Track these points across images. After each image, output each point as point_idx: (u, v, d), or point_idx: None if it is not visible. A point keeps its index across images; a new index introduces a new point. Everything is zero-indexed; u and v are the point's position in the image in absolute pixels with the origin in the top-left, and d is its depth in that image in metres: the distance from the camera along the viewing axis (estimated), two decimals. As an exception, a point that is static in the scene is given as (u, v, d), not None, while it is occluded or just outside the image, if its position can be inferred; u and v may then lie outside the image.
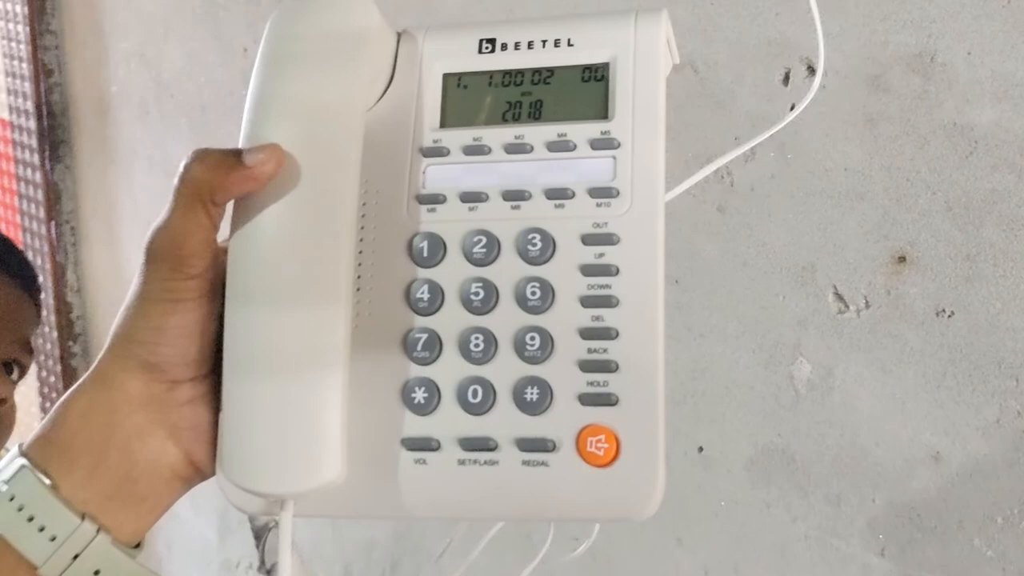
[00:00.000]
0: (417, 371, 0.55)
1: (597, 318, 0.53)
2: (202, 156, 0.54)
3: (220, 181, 0.53)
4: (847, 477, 1.16)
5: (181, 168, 0.53)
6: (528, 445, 0.52)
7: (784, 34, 1.12)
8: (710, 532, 1.30)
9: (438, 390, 0.54)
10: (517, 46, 0.60)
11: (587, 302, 0.53)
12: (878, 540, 1.14)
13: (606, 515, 0.52)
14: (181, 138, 1.81)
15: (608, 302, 0.53)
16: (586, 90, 0.58)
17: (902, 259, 1.07)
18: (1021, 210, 0.98)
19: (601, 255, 0.54)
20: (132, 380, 0.54)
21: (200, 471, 0.57)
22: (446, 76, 0.60)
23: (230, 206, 0.55)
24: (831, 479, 1.18)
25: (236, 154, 0.53)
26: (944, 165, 1.02)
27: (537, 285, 0.54)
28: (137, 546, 0.55)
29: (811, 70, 1.10)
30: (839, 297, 1.13)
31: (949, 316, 1.05)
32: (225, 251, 0.56)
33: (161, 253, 0.53)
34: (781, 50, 1.12)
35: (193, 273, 0.54)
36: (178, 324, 0.54)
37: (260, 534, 0.61)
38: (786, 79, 1.13)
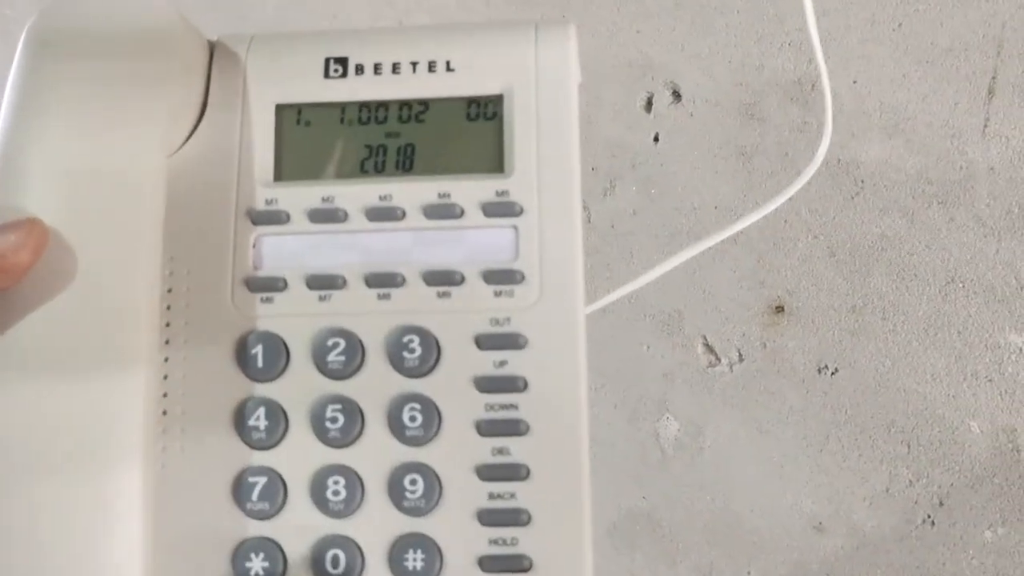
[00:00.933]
0: (254, 529, 0.41)
1: (500, 451, 0.40)
2: None
3: None
4: (720, 545, 1.06)
5: None
6: None
7: (646, 55, 0.99)
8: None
9: (284, 556, 0.41)
10: (378, 69, 0.44)
11: (486, 429, 0.41)
12: (754, 616, 1.04)
13: None
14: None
15: (515, 428, 0.40)
16: (473, 132, 0.44)
17: (780, 309, 0.96)
18: (913, 258, 0.88)
19: (503, 363, 0.41)
20: None
21: None
22: (280, 108, 0.45)
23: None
24: (702, 547, 1.07)
25: None
26: (827, 206, 0.91)
27: (417, 407, 0.41)
28: None
29: (676, 95, 0.97)
30: (709, 349, 1.01)
31: (832, 373, 0.94)
32: None
33: None
34: (643, 73, 0.99)
35: None
36: None
37: None
38: (648, 105, 1.00)
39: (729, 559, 1.05)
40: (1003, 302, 0.88)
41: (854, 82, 0.88)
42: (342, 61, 0.45)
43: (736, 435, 1.02)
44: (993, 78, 0.85)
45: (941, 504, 0.92)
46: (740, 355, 0.99)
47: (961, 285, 0.88)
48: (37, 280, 0.38)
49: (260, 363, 0.42)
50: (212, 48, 0.46)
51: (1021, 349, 0.88)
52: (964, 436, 0.90)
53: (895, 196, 0.87)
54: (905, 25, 0.84)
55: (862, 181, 0.89)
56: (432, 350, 0.41)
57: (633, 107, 1.01)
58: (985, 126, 0.86)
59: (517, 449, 0.40)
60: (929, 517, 0.93)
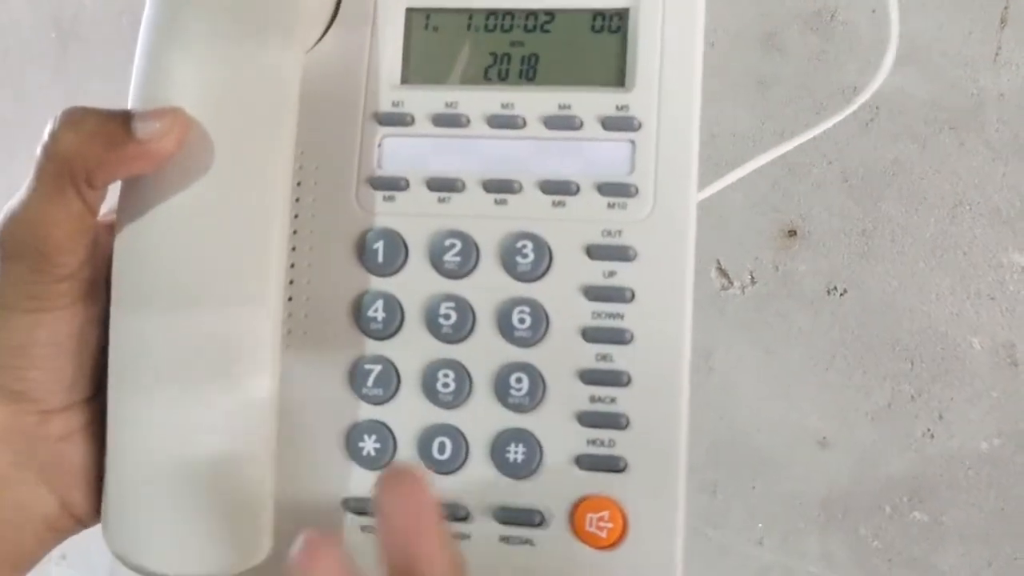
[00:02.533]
0: (367, 412, 0.43)
1: (604, 357, 0.42)
2: (75, 121, 0.39)
3: (99, 158, 0.38)
4: (725, 463, 1.10)
5: (46, 135, 0.39)
6: (509, 516, 0.42)
7: (670, -15, 1.02)
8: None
9: (394, 439, 0.43)
10: None
11: (591, 335, 0.42)
12: (757, 529, 1.08)
13: None
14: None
15: (619, 337, 0.41)
16: (598, 44, 0.45)
17: (792, 233, 1.00)
18: (923, 183, 0.93)
19: (612, 274, 0.42)
20: None
21: (79, 520, 0.44)
22: (411, 12, 0.46)
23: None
24: (707, 465, 1.11)
25: (123, 121, 0.39)
26: (841, 133, 0.96)
27: (527, 310, 0.42)
28: None
29: (698, 25, 1.01)
30: (722, 272, 1.05)
31: (841, 294, 0.99)
32: (107, 229, 0.42)
33: (19, 248, 0.40)
34: None
35: (63, 274, 0.40)
36: (48, 340, 0.41)
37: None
38: (671, 35, 1.04)
39: (734, 476, 1.10)
40: (1008, 223, 0.92)
41: (873, 11, 0.92)
42: None
43: (744, 356, 1.06)
44: (1006, 8, 0.90)
45: (941, 418, 0.97)
46: (752, 278, 1.04)
47: (968, 208, 0.93)
48: (178, 168, 0.39)
49: (380, 258, 0.43)
50: None
51: (1023, 268, 0.93)
52: (965, 352, 0.95)
53: (908, 122, 0.91)
54: (925, -42, 0.88)
55: (877, 108, 0.93)
56: (544, 256, 0.42)
57: (656, 37, 1.05)
58: (996, 55, 0.91)
59: (620, 356, 0.41)
60: (929, 430, 0.97)
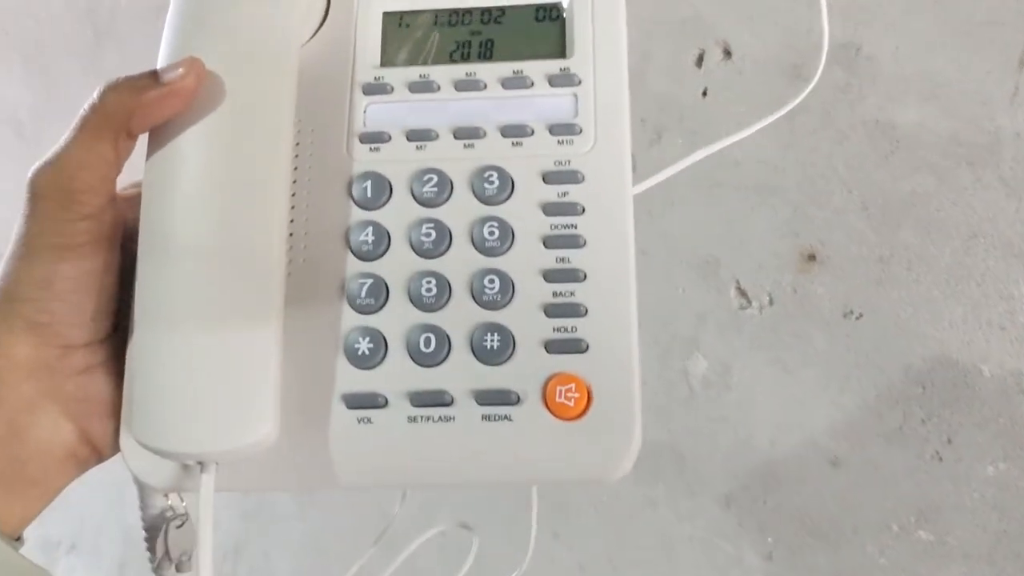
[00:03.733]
0: (360, 320, 0.49)
1: (562, 259, 0.49)
2: (115, 83, 0.46)
3: (136, 104, 0.46)
4: (739, 478, 1.13)
5: (94, 96, 0.46)
6: (488, 398, 0.47)
7: (700, 13, 1.06)
8: (589, 527, 1.25)
9: (384, 340, 0.49)
10: None
11: (551, 243, 0.49)
12: (767, 543, 1.12)
13: (576, 474, 0.47)
14: (13, 76, 1.62)
15: (574, 242, 0.49)
16: (541, 29, 0.54)
17: (811, 257, 1.03)
18: (940, 214, 0.96)
19: (565, 193, 0.50)
20: (17, 344, 0.46)
21: (98, 451, 0.49)
22: (386, 15, 0.55)
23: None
24: (722, 479, 1.14)
25: (151, 73, 0.47)
26: (863, 163, 0.99)
27: (495, 224, 0.49)
28: (18, 539, 0.47)
29: (727, 53, 1.04)
30: (742, 293, 1.08)
31: (857, 318, 1.02)
32: (126, 200, 0.49)
33: (47, 189, 0.46)
34: (696, 30, 1.06)
35: (86, 212, 0.46)
36: (70, 275, 0.46)
37: (154, 527, 0.52)
38: (699, 61, 1.07)
39: (747, 490, 1.13)
40: (1019, 257, 0.95)
41: (896, 49, 0.95)
42: None
43: (761, 374, 1.09)
44: (1025, 50, 0.93)
45: (949, 441, 1.00)
46: (771, 299, 1.07)
47: (982, 240, 0.96)
48: (198, 114, 0.47)
49: (368, 194, 0.51)
50: None
51: (1034, 300, 0.96)
52: (975, 379, 0.98)
53: (927, 156, 0.94)
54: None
55: (897, 141, 0.96)
56: (507, 183, 0.50)
57: (684, 63, 1.08)
58: (1014, 94, 0.94)
59: (576, 258, 0.48)
60: (937, 453, 1.00)
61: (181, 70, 0.46)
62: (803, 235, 1.03)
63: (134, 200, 0.48)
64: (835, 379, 1.04)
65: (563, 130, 0.50)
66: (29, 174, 0.46)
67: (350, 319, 0.49)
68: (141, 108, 0.46)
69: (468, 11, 0.54)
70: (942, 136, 0.93)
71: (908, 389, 1.00)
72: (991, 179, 0.95)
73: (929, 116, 0.93)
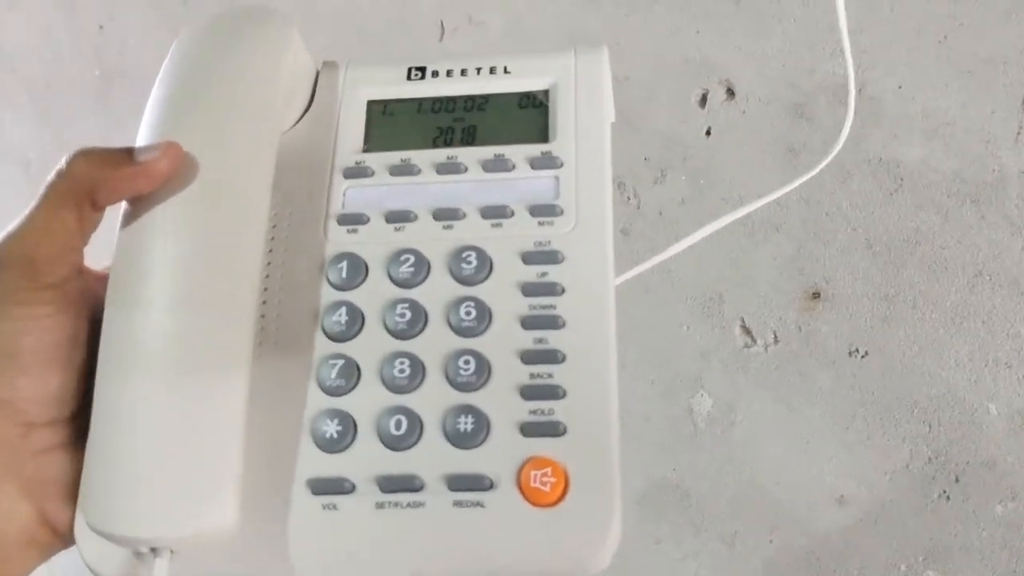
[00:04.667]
0: (329, 402, 0.48)
1: (540, 340, 0.47)
2: (87, 152, 0.46)
3: (105, 177, 0.45)
4: (744, 516, 1.12)
5: (61, 163, 0.46)
6: (460, 483, 0.45)
7: (704, 54, 1.06)
8: (593, 568, 1.24)
9: (354, 423, 0.47)
10: (449, 73, 0.55)
11: (528, 323, 0.48)
12: (773, 583, 1.11)
13: (551, 565, 0.44)
14: (21, 115, 1.63)
15: (552, 323, 0.47)
16: (524, 115, 0.54)
17: (816, 295, 1.03)
18: (945, 252, 0.96)
19: (544, 274, 0.49)
20: None
21: (61, 536, 0.47)
22: (371, 103, 0.55)
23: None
24: (727, 517, 1.14)
25: (127, 151, 0.46)
26: (867, 201, 0.99)
27: (472, 304, 0.48)
28: None
29: (731, 93, 1.05)
30: (746, 330, 1.08)
31: (863, 356, 1.01)
32: (100, 280, 0.47)
33: (9, 257, 0.45)
34: (700, 70, 1.07)
35: (49, 281, 0.45)
36: (34, 346, 0.45)
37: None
38: (703, 101, 1.07)
39: (752, 529, 1.12)
40: (1026, 295, 0.96)
41: (899, 87, 0.95)
42: (421, 69, 0.55)
43: (766, 412, 1.09)
44: (1029, 89, 0.93)
45: (957, 480, 0.99)
46: (776, 337, 1.07)
47: (988, 278, 0.96)
48: (173, 188, 0.46)
49: (343, 275, 0.49)
50: (319, 69, 0.57)
51: (1040, 338, 0.96)
52: (982, 418, 0.98)
53: (931, 194, 0.95)
54: (950, 37, 0.92)
55: (901, 179, 0.96)
56: (486, 263, 0.49)
57: (688, 103, 1.09)
58: (1019, 133, 0.94)
59: (554, 339, 0.47)
60: (945, 492, 1.00)
61: (157, 152, 0.46)
62: (808, 273, 1.03)
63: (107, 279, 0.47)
64: (841, 418, 1.04)
65: (544, 211, 0.50)
66: None
67: (319, 401, 0.48)
68: (109, 181, 0.45)
69: (452, 99, 0.54)
70: (946, 174, 0.93)
71: (915, 428, 1.00)
72: (996, 217, 0.95)
73: (933, 154, 0.93)
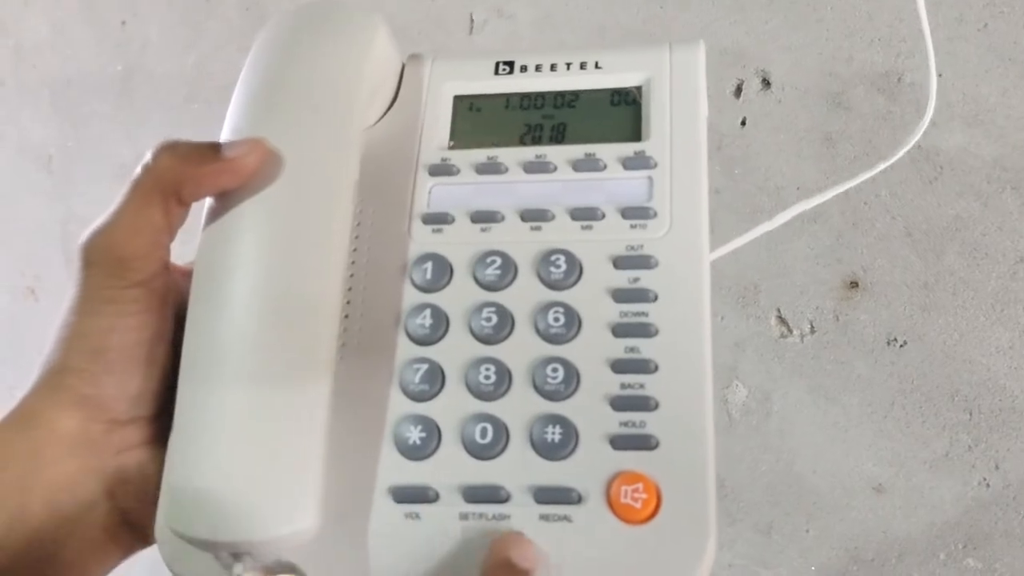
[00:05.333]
0: (413, 408, 0.46)
1: (632, 349, 0.45)
2: (172, 145, 0.45)
3: (191, 172, 0.45)
4: (780, 505, 1.12)
5: (147, 157, 0.45)
6: (547, 495, 0.43)
7: (739, 44, 1.06)
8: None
9: (438, 430, 0.45)
10: (539, 68, 0.53)
11: (620, 331, 0.46)
12: (810, 572, 1.11)
13: None
14: (41, 112, 1.63)
15: (645, 331, 0.45)
16: (616, 113, 0.52)
17: (854, 284, 1.03)
18: (986, 239, 0.96)
19: (636, 280, 0.46)
20: (63, 418, 0.44)
21: (142, 535, 0.46)
22: (457, 98, 0.54)
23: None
24: (763, 507, 1.14)
25: (213, 146, 0.46)
26: (906, 189, 0.99)
27: (560, 311, 0.46)
28: None
29: (766, 83, 1.05)
30: (782, 321, 1.08)
31: (901, 345, 1.02)
32: (183, 275, 0.47)
33: (97, 254, 0.45)
34: (735, 60, 1.07)
35: (137, 279, 0.45)
36: (120, 345, 0.45)
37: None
38: (738, 91, 1.07)
39: (788, 518, 1.12)
40: (1068, 281, 0.96)
41: (939, 75, 0.95)
42: (509, 63, 0.54)
43: (803, 402, 1.09)
44: (1071, 76, 0.94)
45: (997, 468, 0.99)
46: (812, 327, 1.07)
47: (1029, 265, 0.96)
48: (258, 186, 0.45)
49: (428, 276, 0.48)
50: (404, 62, 0.55)
51: (1083, 325, 0.96)
52: (1023, 404, 0.98)
53: (971, 181, 0.95)
54: (990, 25, 0.92)
55: (941, 167, 0.96)
56: (575, 267, 0.47)
57: (723, 92, 1.09)
58: (1060, 120, 0.95)
59: (646, 348, 0.44)
60: (985, 480, 1.00)
61: (243, 149, 0.45)
62: (846, 262, 1.03)
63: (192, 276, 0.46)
64: (879, 406, 1.04)
65: (636, 213, 0.48)
66: (81, 239, 0.45)
67: (402, 406, 0.46)
68: (194, 178, 0.45)
69: (541, 95, 0.53)
70: (986, 161, 0.93)
71: (955, 415, 1.00)
72: (1037, 204, 0.95)
73: (973, 141, 0.93)
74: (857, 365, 1.05)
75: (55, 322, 0.45)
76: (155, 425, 0.46)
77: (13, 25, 1.71)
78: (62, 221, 1.59)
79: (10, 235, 1.63)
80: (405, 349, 0.47)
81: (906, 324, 1.01)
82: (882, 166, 0.61)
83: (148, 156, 0.45)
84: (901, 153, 0.62)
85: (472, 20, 1.22)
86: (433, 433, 0.45)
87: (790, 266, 1.07)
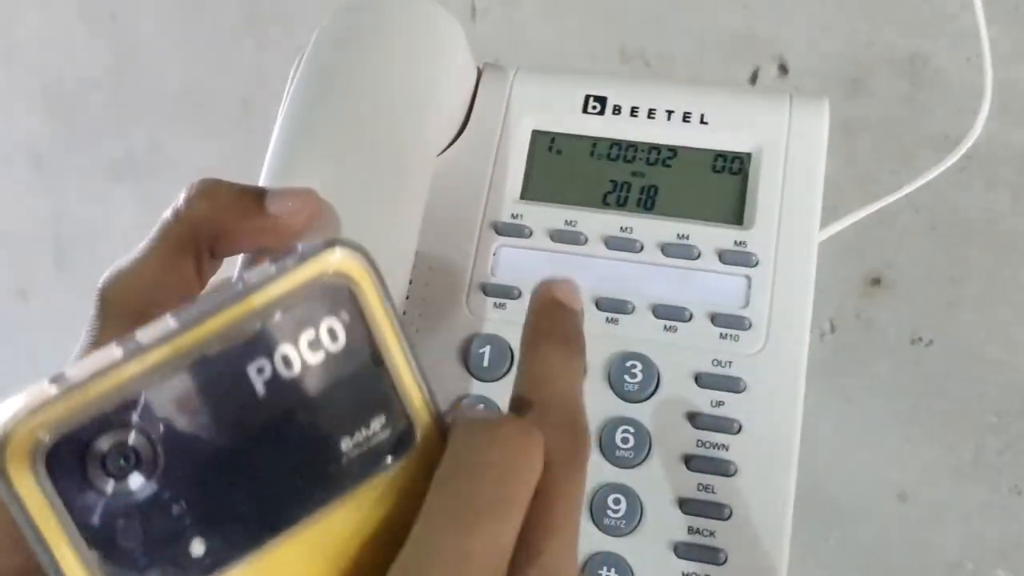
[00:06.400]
0: None
1: (705, 487, 0.41)
2: (211, 191, 0.39)
3: (229, 226, 0.39)
4: (800, 513, 1.07)
5: (180, 200, 0.39)
6: None
7: (754, 28, 1.01)
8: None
9: None
10: (634, 112, 0.47)
11: (695, 464, 0.41)
12: (829, 583, 1.06)
13: None
14: (32, 106, 1.58)
15: (723, 468, 0.41)
16: (718, 183, 0.45)
17: (876, 281, 0.98)
18: (1015, 234, 0.91)
19: (719, 404, 0.42)
20: None
21: None
22: (536, 134, 0.47)
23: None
24: (779, 515, 1.09)
25: (258, 196, 0.39)
26: (931, 181, 0.94)
27: (631, 430, 0.41)
28: None
29: (783, 69, 1.00)
30: (800, 319, 1.03)
31: (926, 344, 0.97)
32: None
33: (118, 305, 0.39)
34: (749, 46, 1.02)
35: None
36: None
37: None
38: (754, 78, 1.02)
39: (807, 526, 1.07)
40: (1103, 277, 0.91)
41: (967, 60, 0.90)
42: (601, 100, 0.47)
43: (823, 404, 1.04)
44: (1108, 58, 0.88)
45: (1029, 474, 0.95)
46: (832, 326, 1.02)
47: (1062, 260, 0.91)
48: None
49: (485, 363, 0.43)
50: (481, 70, 0.49)
51: (1120, 322, 0.91)
52: (1056, 407, 0.93)
53: (1000, 172, 0.90)
54: (1022, 7, 0.87)
55: (969, 157, 0.91)
56: (653, 379, 0.42)
57: (738, 80, 1.04)
58: (1096, 106, 0.90)
59: (722, 488, 0.40)
60: (1016, 486, 0.95)
61: (291, 203, 0.39)
62: (867, 258, 0.98)
63: None
64: (902, 409, 0.99)
65: (729, 321, 0.42)
66: (100, 281, 0.39)
67: None
68: (233, 232, 0.39)
69: (633, 145, 0.46)
70: (1017, 151, 0.88)
71: (982, 419, 0.95)
72: (1071, 195, 0.90)
73: (1003, 130, 0.88)
74: (879, 366, 1.00)
75: (31, 373, 0.40)
76: None
77: (3, 20, 1.68)
78: (54, 221, 1.54)
79: (0, 235, 1.59)
80: None
81: (931, 322, 0.96)
82: (936, 171, 0.55)
83: (182, 199, 0.39)
84: (957, 156, 0.57)
85: (474, 8, 1.17)
86: None
87: (808, 262, 1.02)
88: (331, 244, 0.24)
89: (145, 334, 0.23)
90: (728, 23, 1.03)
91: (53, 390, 0.21)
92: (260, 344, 0.23)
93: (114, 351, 0.22)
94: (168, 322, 0.23)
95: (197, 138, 1.40)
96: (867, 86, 0.96)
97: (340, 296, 0.24)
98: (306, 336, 0.23)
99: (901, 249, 0.96)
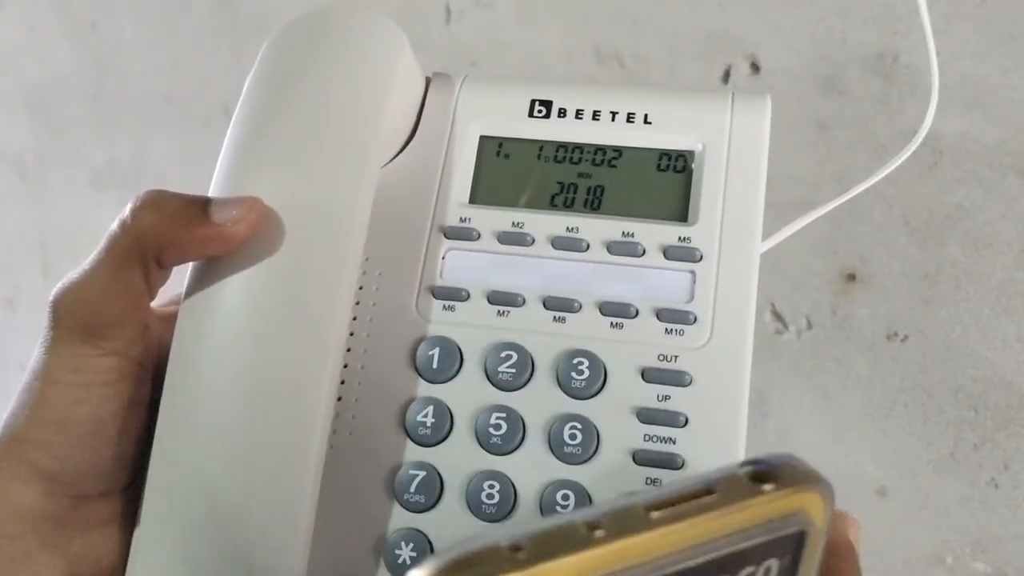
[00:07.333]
0: (406, 519, 0.42)
1: (653, 481, 0.41)
2: (156, 201, 0.40)
3: (174, 236, 0.40)
4: (780, 511, 1.08)
5: (126, 212, 0.40)
6: None
7: (727, 28, 1.02)
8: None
9: (431, 549, 0.42)
10: (579, 114, 0.48)
11: (642, 458, 0.42)
12: (812, 579, 1.06)
13: None
14: (15, 116, 1.58)
15: (670, 461, 0.42)
16: (662, 182, 0.47)
17: (851, 277, 0.99)
18: (988, 228, 0.91)
19: (666, 398, 0.43)
20: (24, 493, 0.40)
21: None
22: (484, 139, 0.49)
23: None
24: (760, 513, 1.09)
25: (202, 205, 0.41)
26: (904, 176, 0.94)
27: (578, 426, 0.42)
28: None
29: (755, 67, 1.00)
30: (777, 317, 1.04)
31: (902, 340, 0.97)
32: (161, 320, 0.43)
33: (70, 318, 0.40)
34: (722, 44, 1.02)
35: (112, 348, 0.40)
36: (89, 418, 0.40)
37: None
38: (726, 76, 1.03)
39: (788, 524, 1.08)
40: (1076, 270, 0.91)
41: (936, 56, 0.90)
42: (546, 104, 0.48)
43: (800, 402, 1.04)
44: (1076, 53, 0.89)
45: (1006, 467, 0.95)
46: (808, 323, 1.02)
47: (1035, 254, 0.92)
48: (248, 254, 0.40)
49: (435, 364, 0.43)
50: (429, 80, 0.50)
51: (1093, 315, 0.91)
52: (1032, 401, 0.93)
53: (972, 167, 0.90)
54: (989, 2, 0.87)
55: (940, 152, 0.92)
56: (599, 375, 0.43)
57: (711, 79, 1.04)
58: (1065, 99, 0.90)
59: (670, 480, 0.41)
60: (993, 480, 0.95)
61: (236, 211, 0.40)
62: (842, 253, 0.98)
63: (172, 321, 0.41)
64: (880, 405, 0.99)
65: (674, 316, 0.44)
66: (52, 294, 0.40)
67: (395, 517, 0.42)
68: (179, 242, 0.40)
69: (579, 147, 0.48)
70: (988, 146, 0.89)
71: (959, 413, 0.95)
72: (1042, 189, 0.91)
73: (974, 125, 0.89)
74: (856, 362, 1.00)
75: (19, 382, 0.40)
76: (125, 497, 0.42)
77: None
78: (39, 229, 1.54)
79: (-15, 244, 1.60)
80: (402, 449, 0.43)
81: (906, 318, 0.96)
82: (892, 165, 0.56)
83: (127, 210, 0.40)
84: (913, 147, 0.58)
85: (449, 10, 1.18)
86: (425, 553, 0.42)
87: (783, 259, 1.02)
88: (809, 479, 0.22)
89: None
90: (703, 23, 1.03)
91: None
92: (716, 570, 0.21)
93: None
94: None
95: (180, 146, 1.40)
96: (841, 84, 0.96)
97: (794, 537, 0.22)
98: (746, 572, 0.22)
99: (876, 244, 0.96)
